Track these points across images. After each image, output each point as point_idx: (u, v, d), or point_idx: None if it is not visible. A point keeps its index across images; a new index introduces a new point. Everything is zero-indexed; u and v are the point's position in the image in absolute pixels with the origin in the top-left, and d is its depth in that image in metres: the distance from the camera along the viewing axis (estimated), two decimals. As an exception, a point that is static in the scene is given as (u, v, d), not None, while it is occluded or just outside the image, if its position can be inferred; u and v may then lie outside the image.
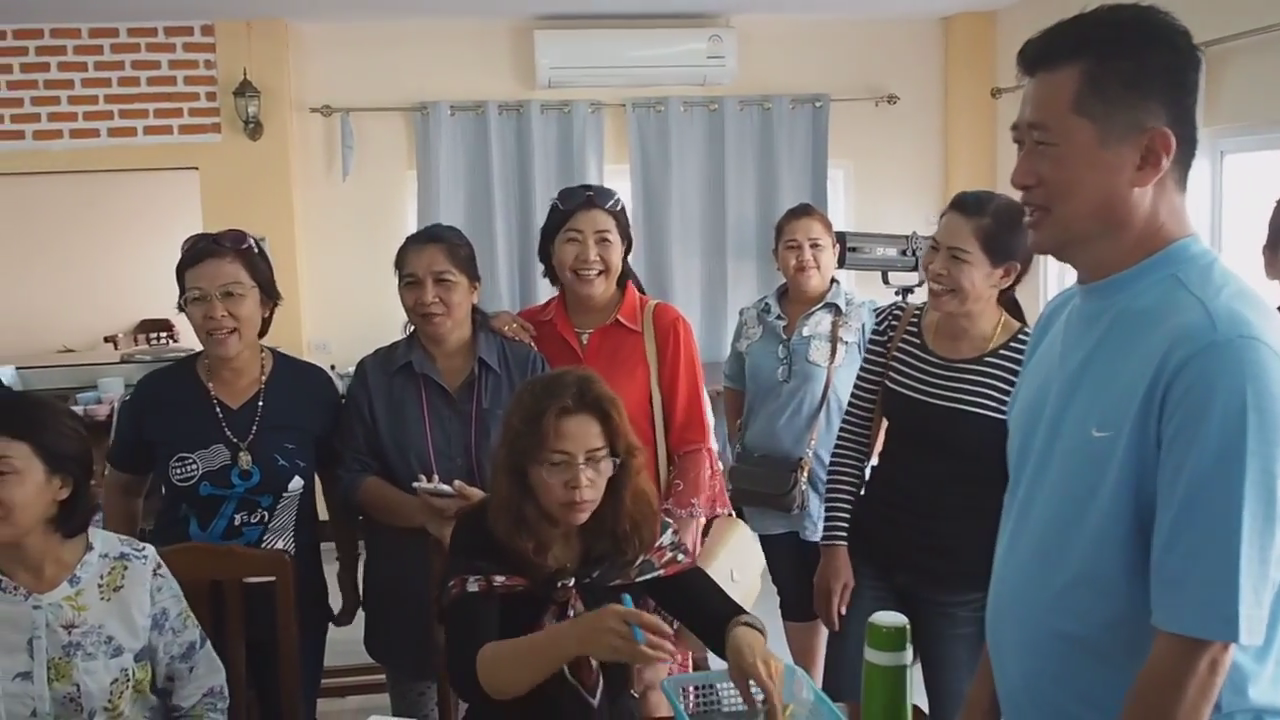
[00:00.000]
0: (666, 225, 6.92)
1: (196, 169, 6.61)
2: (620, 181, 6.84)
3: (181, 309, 2.94)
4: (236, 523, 2.89)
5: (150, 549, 2.47)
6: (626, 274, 3.32)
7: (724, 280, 6.97)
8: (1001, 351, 2.81)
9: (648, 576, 2.43)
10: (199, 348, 3.01)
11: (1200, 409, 1.47)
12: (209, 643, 2.53)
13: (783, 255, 4.14)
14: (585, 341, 3.27)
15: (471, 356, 3.10)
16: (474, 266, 3.13)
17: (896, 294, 5.77)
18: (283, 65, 6.65)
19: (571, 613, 2.33)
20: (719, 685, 2.41)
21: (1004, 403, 2.67)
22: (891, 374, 2.96)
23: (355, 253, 6.81)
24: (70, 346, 9.32)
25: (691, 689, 2.49)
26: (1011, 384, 2.65)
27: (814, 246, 4.05)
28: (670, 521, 2.54)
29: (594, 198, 3.22)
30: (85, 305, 9.89)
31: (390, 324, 3.30)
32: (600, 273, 3.20)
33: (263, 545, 2.91)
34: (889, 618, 2.08)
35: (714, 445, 3.37)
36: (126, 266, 9.77)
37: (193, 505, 2.89)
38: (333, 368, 6.03)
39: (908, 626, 2.07)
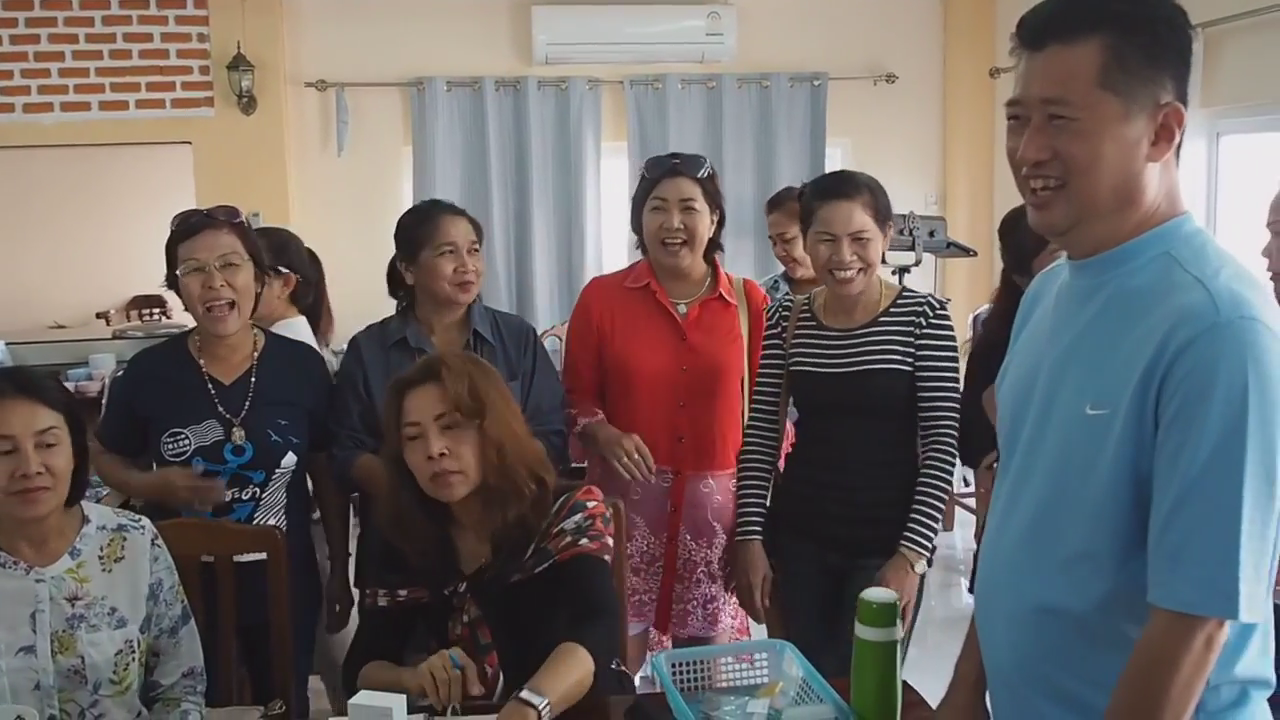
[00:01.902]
0: (664, 203, 6.87)
1: (189, 144, 6.56)
2: (617, 159, 6.81)
3: (170, 286, 2.90)
4: (228, 498, 2.86)
5: (146, 520, 2.45)
6: (716, 245, 3.27)
7: (722, 258, 6.93)
8: (892, 310, 2.93)
9: (544, 565, 2.38)
10: (191, 324, 2.98)
11: (1203, 390, 1.46)
12: (193, 619, 2.51)
13: (773, 247, 4.13)
14: (684, 312, 3.22)
15: (466, 329, 3.11)
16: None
17: (893, 273, 5.74)
18: (277, 39, 6.59)
19: (466, 618, 2.37)
20: (712, 661, 2.40)
21: (905, 355, 2.88)
22: (795, 359, 3.01)
23: (350, 229, 6.74)
24: (61, 323, 9.26)
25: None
26: (908, 336, 2.88)
27: (785, 240, 4.05)
28: (586, 505, 2.43)
29: (679, 165, 3.17)
30: (77, 281, 9.83)
31: (386, 300, 3.26)
32: (684, 242, 3.15)
33: (254, 522, 2.89)
34: (879, 594, 2.08)
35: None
36: (118, 242, 9.70)
37: None
38: (327, 344, 6.01)
39: (898, 601, 2.07)
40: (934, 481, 2.88)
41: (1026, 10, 1.63)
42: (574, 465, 3.29)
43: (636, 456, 3.02)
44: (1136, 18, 1.56)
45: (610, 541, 2.46)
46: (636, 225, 3.27)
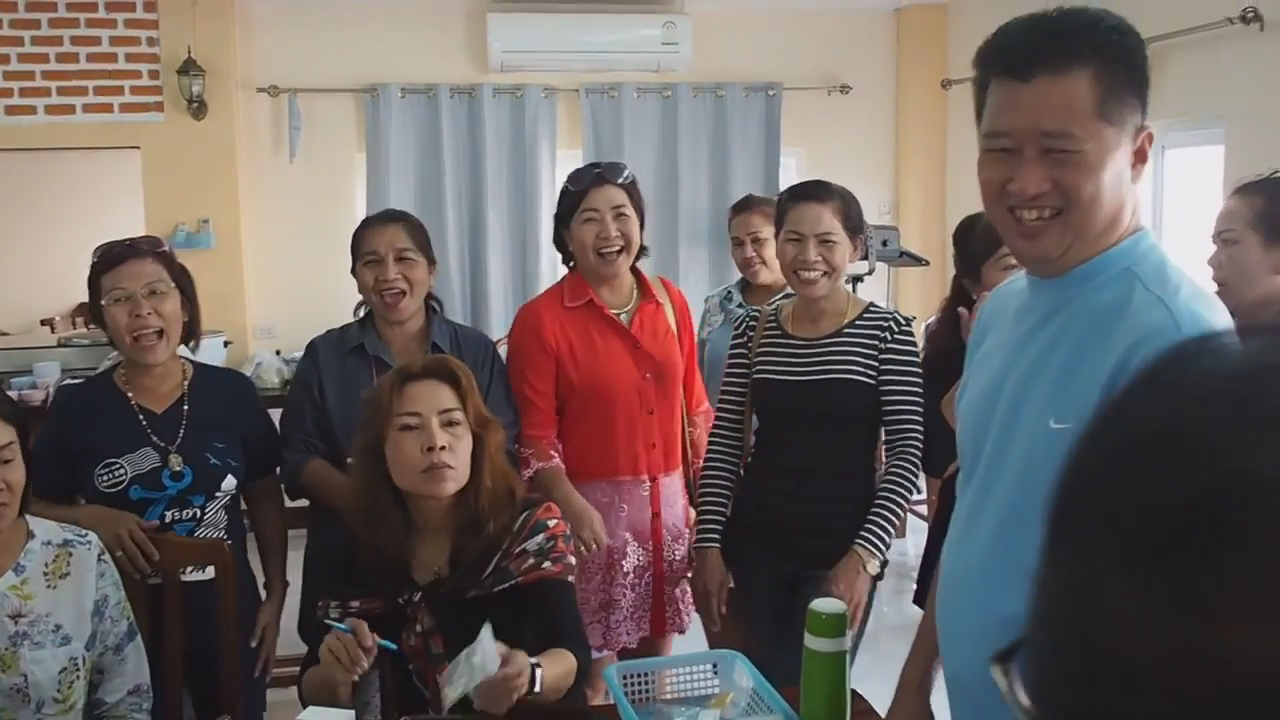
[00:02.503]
0: (618, 212, 6.88)
1: (138, 148, 6.46)
2: (572, 167, 6.78)
3: (94, 319, 2.87)
4: (168, 519, 2.81)
5: (93, 535, 2.41)
6: (642, 249, 3.27)
7: (675, 267, 6.94)
8: (858, 322, 2.96)
9: (504, 585, 2.37)
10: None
11: None
12: (139, 636, 2.46)
13: (732, 250, 4.13)
14: (627, 321, 3.22)
15: (425, 341, 3.08)
16: (431, 249, 3.14)
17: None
18: (228, 43, 6.51)
19: (419, 628, 2.33)
20: (662, 673, 2.39)
21: (868, 367, 2.90)
22: (759, 369, 3.03)
23: (302, 236, 6.72)
24: (5, 330, 9.12)
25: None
26: (872, 349, 2.90)
27: (755, 241, 4.03)
28: (547, 524, 2.43)
29: (604, 173, 3.17)
30: (20, 287, 9.67)
31: (339, 308, 3.25)
32: (622, 249, 3.14)
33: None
34: (828, 604, 2.10)
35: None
36: (64, 248, 9.51)
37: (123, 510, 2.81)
38: (278, 353, 5.96)
39: (847, 613, 2.10)
40: (895, 488, 2.90)
41: (990, 34, 1.63)
42: None
43: (594, 546, 3.04)
44: (1116, 47, 1.57)
45: (572, 560, 2.47)
46: (561, 241, 3.25)
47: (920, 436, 2.90)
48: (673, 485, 3.31)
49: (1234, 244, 2.68)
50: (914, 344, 2.97)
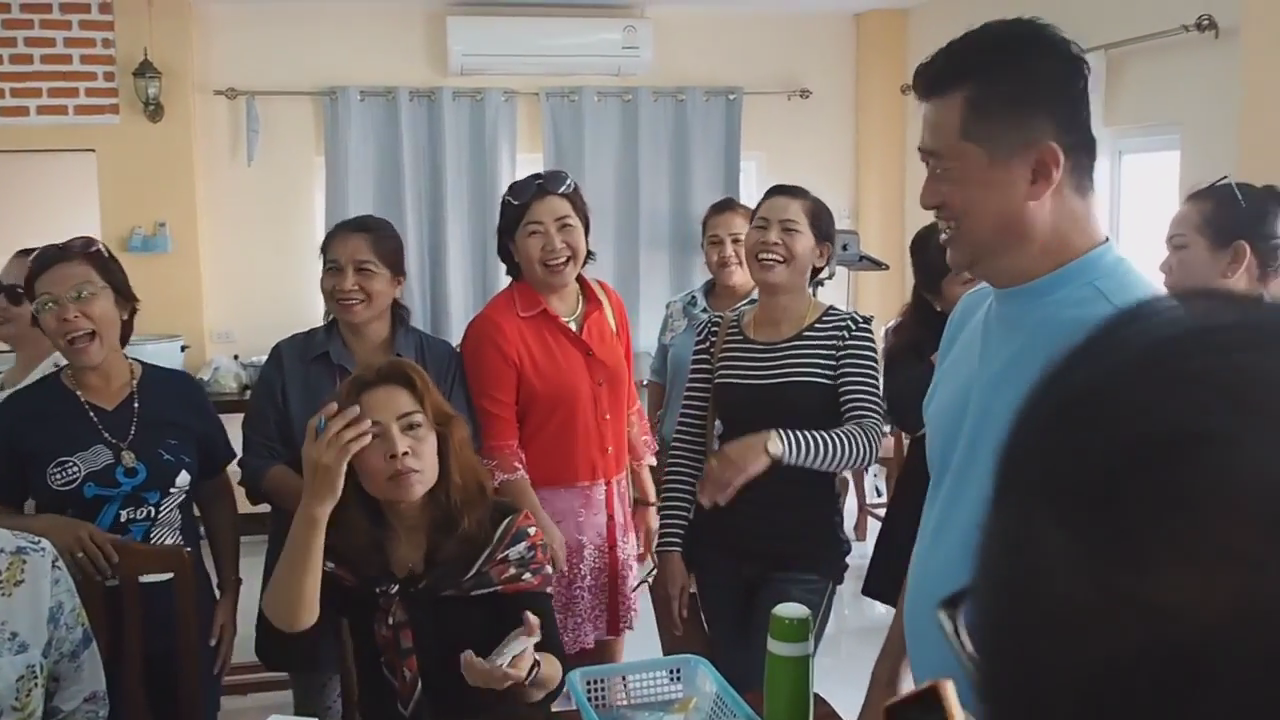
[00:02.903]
0: (579, 216, 6.88)
1: (93, 151, 6.40)
2: (533, 170, 6.77)
3: (35, 323, 2.86)
4: (123, 519, 2.80)
5: (46, 542, 2.37)
6: (588, 254, 3.28)
7: (636, 271, 6.95)
8: (817, 325, 2.98)
9: (483, 591, 2.38)
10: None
11: None
12: (94, 643, 2.44)
13: (706, 251, 4.15)
14: (576, 328, 3.25)
15: (390, 351, 3.07)
16: (399, 261, 3.12)
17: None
18: (186, 45, 6.47)
19: (391, 620, 2.33)
20: (628, 677, 2.40)
21: (826, 369, 2.92)
22: (721, 373, 3.05)
23: (261, 240, 6.68)
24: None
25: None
26: (830, 351, 2.92)
27: (735, 242, 4.02)
28: (528, 533, 2.44)
29: (546, 184, 3.17)
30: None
31: (297, 312, 3.24)
32: (568, 259, 3.15)
33: (151, 541, 2.83)
34: (791, 609, 2.11)
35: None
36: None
37: (78, 511, 2.78)
38: (236, 357, 5.91)
39: (810, 618, 2.11)
40: (840, 432, 2.79)
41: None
42: None
43: (561, 566, 3.09)
44: (1001, 65, 1.62)
45: (550, 570, 2.51)
46: (505, 253, 3.25)
47: (877, 415, 2.89)
48: (622, 486, 3.38)
49: (1183, 249, 2.73)
50: (872, 340, 2.99)
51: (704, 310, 4.07)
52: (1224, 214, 2.67)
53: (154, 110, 6.34)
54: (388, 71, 6.75)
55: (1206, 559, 0.47)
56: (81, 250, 2.81)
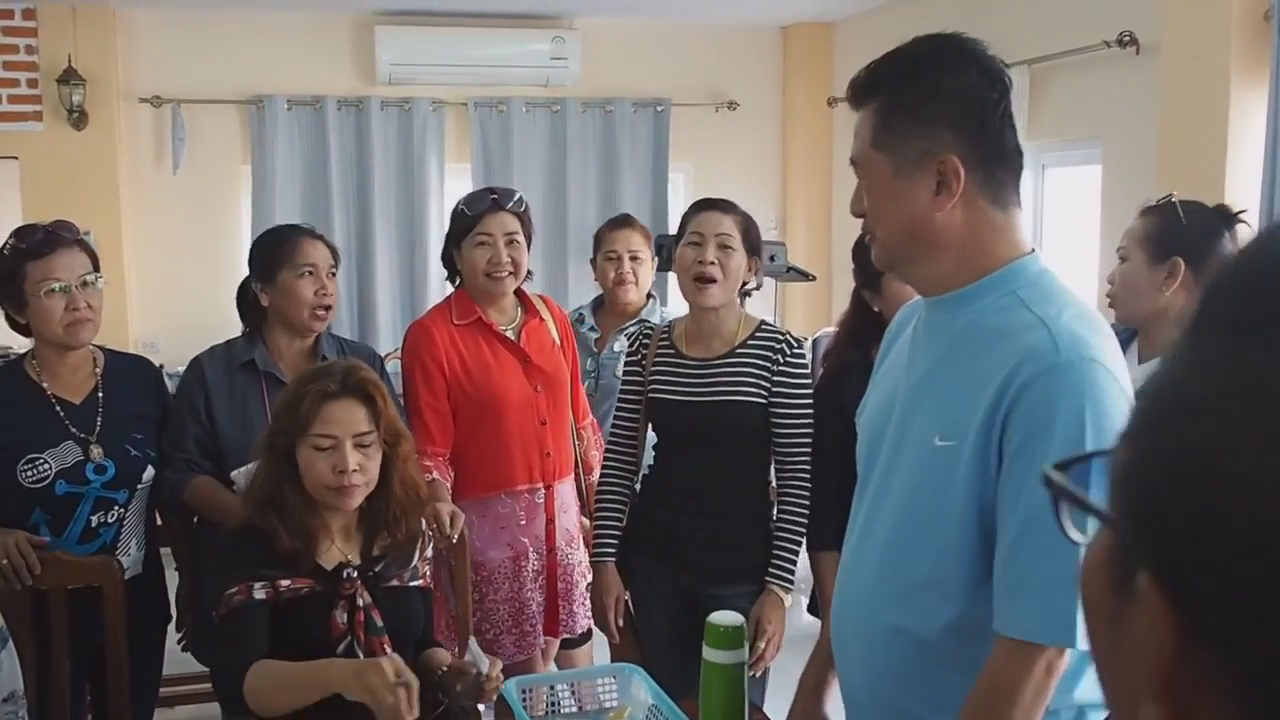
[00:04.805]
0: (508, 226, 6.88)
1: (16, 159, 6.32)
2: (460, 181, 6.79)
3: (9, 303, 2.85)
4: (93, 524, 2.83)
5: None
6: (529, 271, 3.37)
7: (565, 282, 6.97)
8: (750, 343, 2.99)
9: (417, 582, 2.50)
10: (17, 347, 2.92)
11: (1042, 426, 1.54)
12: (10, 642, 2.43)
13: (601, 266, 4.11)
14: (514, 337, 3.30)
15: (315, 355, 3.11)
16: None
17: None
18: (110, 53, 6.40)
19: (361, 602, 2.34)
20: (559, 686, 2.42)
21: (760, 388, 2.93)
22: (654, 386, 3.07)
23: (186, 249, 6.63)
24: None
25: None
26: (764, 370, 2.94)
27: (633, 259, 4.06)
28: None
29: (499, 200, 3.24)
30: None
31: (222, 322, 3.23)
32: (511, 273, 3.23)
33: (118, 545, 2.87)
34: (726, 617, 2.13)
35: None
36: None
37: (47, 508, 2.79)
38: (161, 367, 5.84)
39: (745, 625, 2.14)
40: (793, 515, 2.95)
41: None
42: None
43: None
44: (907, 79, 1.67)
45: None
46: (449, 260, 3.32)
47: (808, 459, 2.95)
48: (566, 492, 3.40)
49: (1125, 260, 2.82)
50: (805, 366, 3.01)
51: (591, 329, 4.07)
52: (1164, 230, 2.72)
53: (78, 118, 6.27)
54: (315, 80, 6.72)
55: None
56: (74, 237, 2.88)
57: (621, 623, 3.10)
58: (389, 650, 2.29)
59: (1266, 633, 0.50)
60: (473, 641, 2.39)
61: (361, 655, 2.29)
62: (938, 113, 1.64)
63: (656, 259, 4.28)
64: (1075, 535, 0.65)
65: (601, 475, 3.24)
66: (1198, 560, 0.53)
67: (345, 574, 2.34)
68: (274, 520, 2.29)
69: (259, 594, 2.26)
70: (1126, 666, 0.58)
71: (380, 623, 2.35)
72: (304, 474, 2.33)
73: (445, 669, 2.42)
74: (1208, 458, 0.53)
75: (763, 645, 2.86)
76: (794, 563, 2.96)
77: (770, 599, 2.92)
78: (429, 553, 2.54)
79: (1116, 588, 0.59)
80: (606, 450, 3.25)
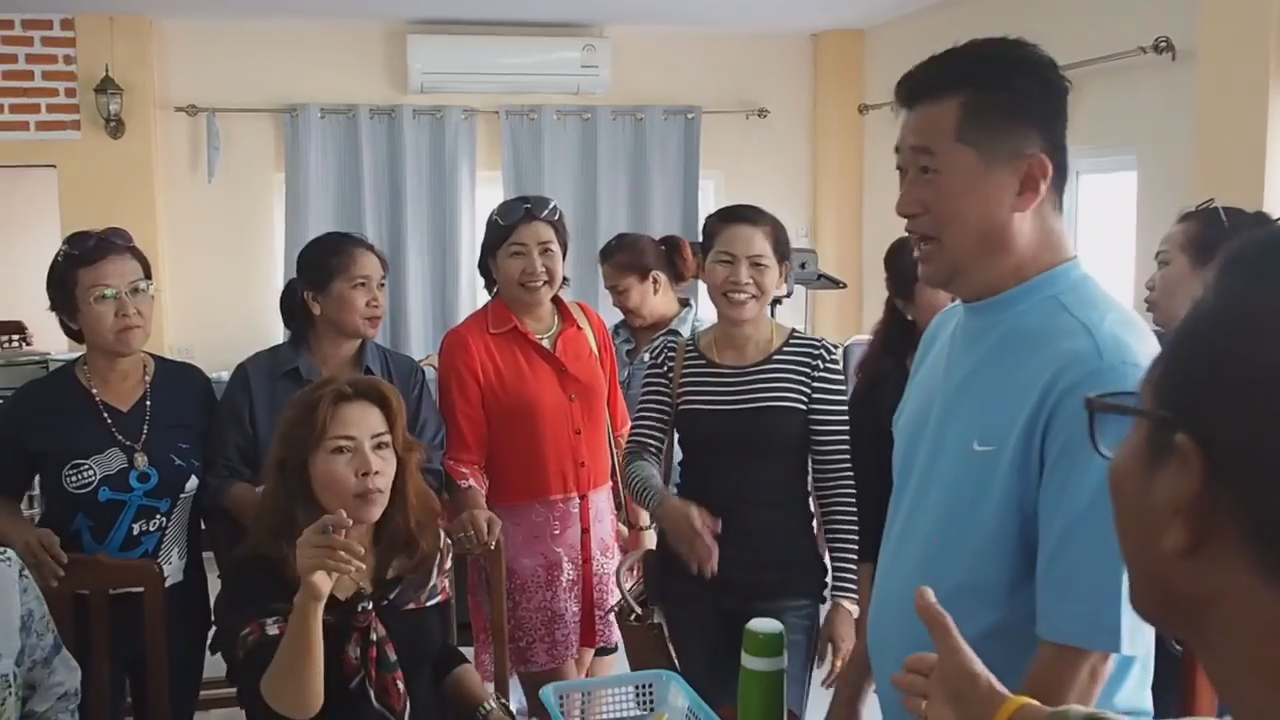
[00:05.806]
0: (539, 233, 6.90)
1: (54, 167, 6.40)
2: (491, 189, 6.83)
3: (60, 309, 2.87)
4: (135, 532, 2.84)
5: (10, 551, 2.39)
6: (565, 279, 3.36)
7: (595, 290, 6.96)
8: (786, 349, 2.94)
9: (435, 600, 2.46)
10: (54, 351, 2.95)
11: (1085, 432, 1.52)
12: (64, 649, 2.46)
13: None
14: (550, 346, 3.31)
15: (359, 364, 3.12)
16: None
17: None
18: (146, 62, 6.47)
19: (375, 636, 2.27)
20: (602, 692, 2.42)
21: (800, 394, 2.88)
22: (684, 398, 2.98)
23: (220, 256, 6.69)
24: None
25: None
26: (803, 375, 2.89)
27: (619, 293, 4.09)
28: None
29: (533, 209, 3.23)
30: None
31: (257, 328, 3.26)
32: (546, 282, 3.23)
33: (159, 554, 2.87)
34: (765, 624, 2.10)
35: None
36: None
37: (90, 514, 2.81)
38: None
39: (784, 633, 2.11)
40: (846, 526, 2.90)
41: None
42: None
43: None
44: (994, 75, 1.64)
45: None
46: (486, 269, 3.33)
47: (850, 465, 2.91)
48: (601, 501, 3.38)
49: (1167, 265, 2.82)
50: (841, 375, 2.96)
51: (625, 340, 4.06)
52: (1207, 234, 2.73)
53: (115, 126, 6.35)
54: (348, 89, 6.77)
55: None
56: (126, 244, 2.89)
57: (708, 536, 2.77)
58: (401, 688, 2.27)
59: (1270, 464, 0.70)
60: None
61: (372, 693, 2.25)
62: (1025, 111, 1.63)
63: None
64: (1107, 451, 0.89)
65: (627, 457, 3.07)
66: (1224, 414, 0.72)
67: (360, 608, 2.27)
68: (285, 549, 2.18)
69: (272, 630, 2.19)
70: (1152, 510, 0.77)
71: (394, 657, 2.29)
72: (323, 487, 2.27)
73: (488, 706, 2.41)
74: (1235, 345, 0.73)
75: (839, 662, 2.81)
76: (854, 572, 2.89)
77: (840, 614, 2.86)
78: (449, 564, 2.50)
79: (1150, 458, 0.78)
80: (630, 452, 3.07)
